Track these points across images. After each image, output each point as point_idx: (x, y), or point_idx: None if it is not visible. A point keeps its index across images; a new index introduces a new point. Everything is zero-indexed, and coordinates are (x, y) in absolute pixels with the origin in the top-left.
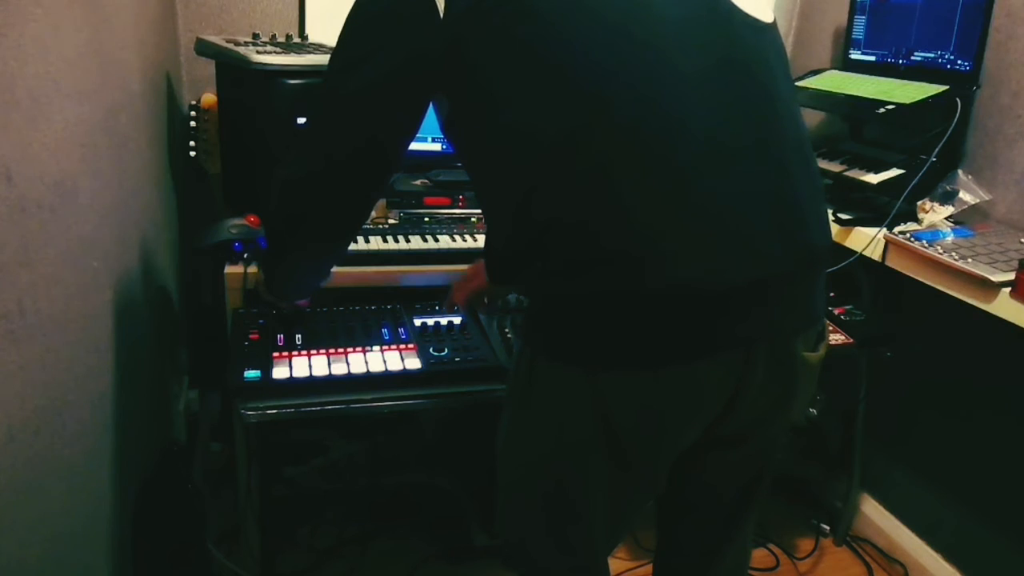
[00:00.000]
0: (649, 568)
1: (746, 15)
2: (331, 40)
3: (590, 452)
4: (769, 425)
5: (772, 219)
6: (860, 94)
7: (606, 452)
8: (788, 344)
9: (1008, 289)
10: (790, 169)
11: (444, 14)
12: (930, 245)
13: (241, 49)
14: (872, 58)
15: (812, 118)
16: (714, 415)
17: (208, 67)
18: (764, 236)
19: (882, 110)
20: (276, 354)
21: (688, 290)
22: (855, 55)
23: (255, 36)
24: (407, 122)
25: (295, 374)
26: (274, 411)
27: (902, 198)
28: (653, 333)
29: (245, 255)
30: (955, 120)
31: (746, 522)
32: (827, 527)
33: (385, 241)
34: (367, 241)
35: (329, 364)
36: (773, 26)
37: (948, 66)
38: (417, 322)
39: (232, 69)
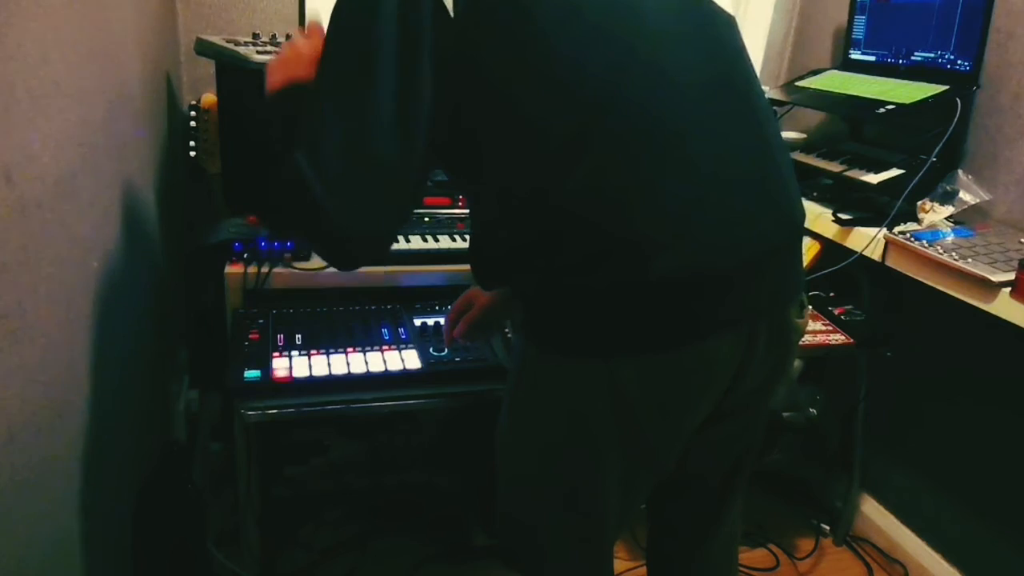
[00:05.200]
0: None
1: (721, 10)
2: None
3: (606, 443)
4: (765, 394)
5: (765, 199)
6: (860, 94)
7: (625, 441)
8: (785, 313)
9: (1008, 289)
10: (773, 151)
11: (454, 12)
12: (930, 245)
13: (241, 49)
14: (872, 58)
15: (812, 118)
16: (723, 390)
17: (208, 67)
18: (761, 215)
19: (882, 110)
20: (276, 354)
21: (699, 274)
22: (855, 55)
23: (255, 36)
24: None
25: (295, 374)
26: (274, 411)
27: (902, 198)
28: (667, 316)
29: (245, 255)
30: (955, 120)
31: (737, 497)
32: (827, 527)
33: None
34: None
35: (329, 364)
36: (735, 20)
37: (948, 66)
38: (417, 322)
39: (232, 69)
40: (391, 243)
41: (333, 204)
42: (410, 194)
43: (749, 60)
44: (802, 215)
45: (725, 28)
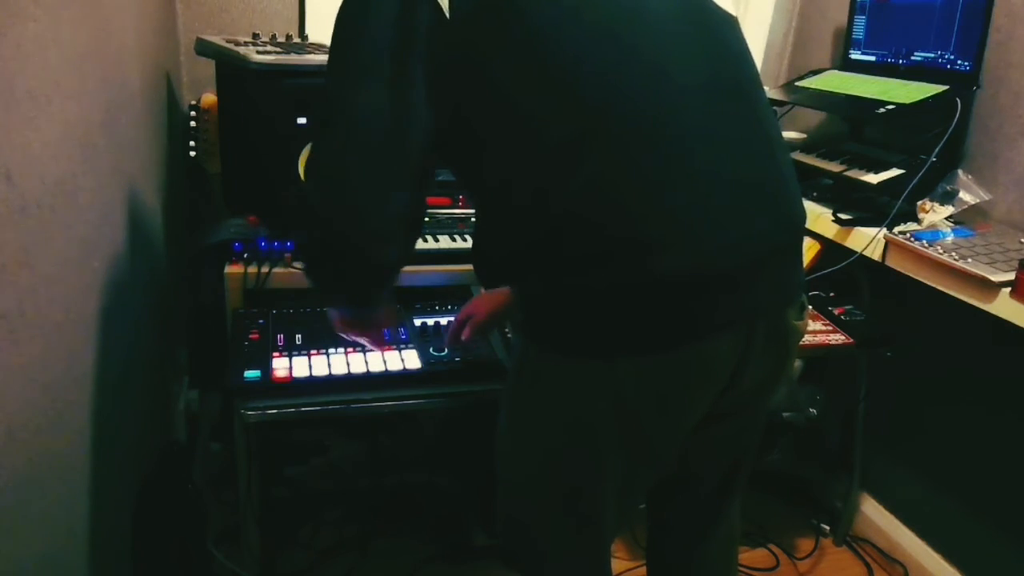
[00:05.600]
0: None
1: (722, 10)
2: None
3: (606, 442)
4: (764, 395)
5: (766, 200)
6: (860, 94)
7: (625, 441)
8: (783, 314)
9: (1008, 289)
10: (775, 152)
11: (450, 15)
12: (930, 245)
13: (241, 49)
14: (872, 58)
15: (812, 118)
16: (720, 390)
17: (208, 67)
18: (761, 216)
19: (882, 110)
20: (276, 354)
21: (699, 274)
22: (855, 55)
23: (255, 36)
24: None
25: (295, 374)
26: (274, 411)
27: (902, 198)
28: (666, 317)
29: (245, 255)
30: (955, 120)
31: (736, 497)
32: (827, 527)
33: None
34: None
35: (329, 364)
36: (737, 20)
37: (948, 66)
38: (417, 322)
39: (232, 69)
40: (399, 242)
41: (331, 208)
42: (411, 198)
43: (751, 60)
44: (803, 216)
45: (727, 28)
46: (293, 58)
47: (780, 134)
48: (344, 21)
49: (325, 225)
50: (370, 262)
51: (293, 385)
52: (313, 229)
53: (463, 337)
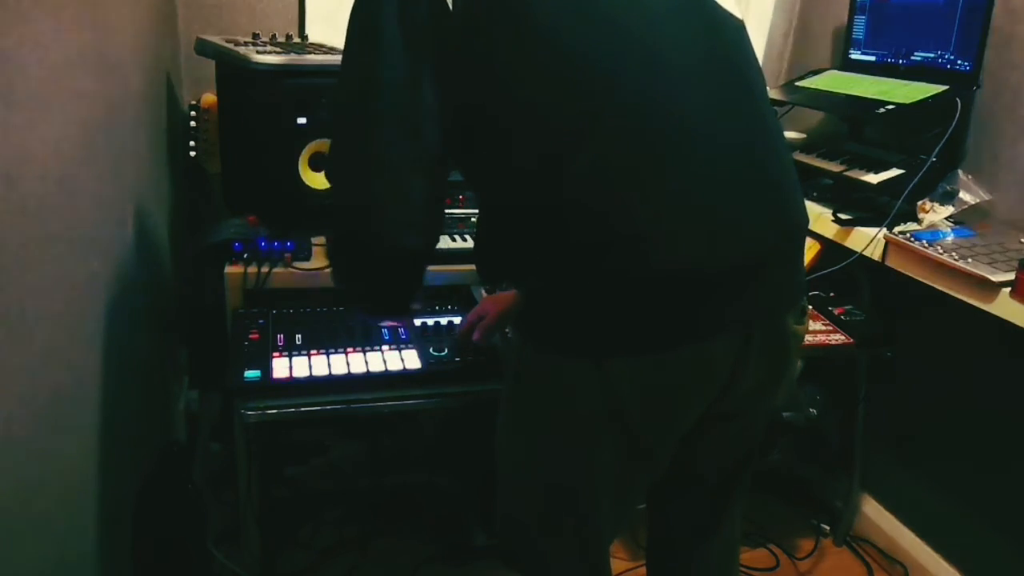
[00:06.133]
0: None
1: (725, 11)
2: (331, 40)
3: (600, 442)
4: (763, 399)
5: (764, 201)
6: (860, 94)
7: (619, 440)
8: (782, 318)
9: (1008, 289)
10: (775, 154)
11: (452, 6)
12: (930, 245)
13: (241, 49)
14: (872, 58)
15: (812, 118)
16: (717, 391)
17: (208, 67)
18: (758, 217)
19: (882, 110)
20: (276, 354)
21: (696, 272)
22: (855, 55)
23: (255, 36)
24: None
25: (295, 374)
26: (274, 411)
27: (902, 198)
28: (662, 317)
29: (245, 255)
30: (955, 120)
31: (738, 498)
32: (827, 527)
33: None
34: None
35: (329, 364)
36: (744, 24)
37: (948, 66)
38: (417, 322)
39: (232, 69)
40: (421, 230)
41: (347, 209)
42: (426, 196)
43: (756, 63)
44: (805, 218)
45: (732, 31)
46: (293, 58)
47: (783, 135)
48: (352, 20)
49: (349, 220)
50: (395, 251)
51: (293, 385)
52: (339, 228)
53: (474, 338)
